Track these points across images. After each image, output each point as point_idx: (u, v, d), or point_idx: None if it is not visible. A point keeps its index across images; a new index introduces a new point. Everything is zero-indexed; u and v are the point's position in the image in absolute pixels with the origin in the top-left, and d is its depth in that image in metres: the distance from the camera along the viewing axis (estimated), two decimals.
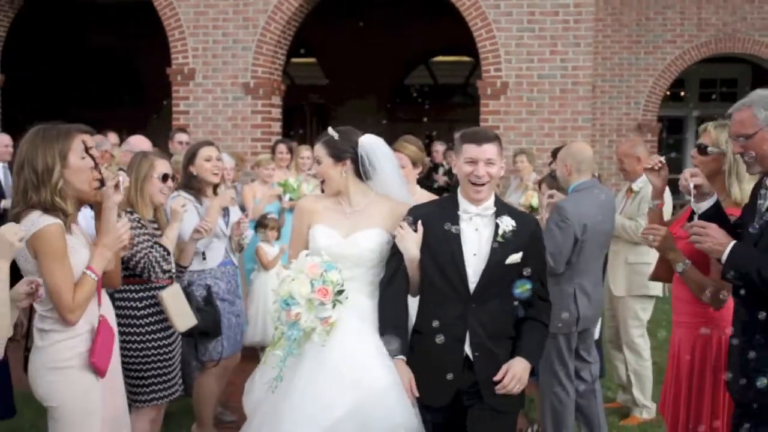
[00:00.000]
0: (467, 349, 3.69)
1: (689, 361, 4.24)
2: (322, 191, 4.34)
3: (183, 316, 4.64)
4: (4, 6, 11.93)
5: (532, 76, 10.82)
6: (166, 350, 4.60)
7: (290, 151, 8.78)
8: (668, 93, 16.26)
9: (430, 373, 3.66)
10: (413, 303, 3.88)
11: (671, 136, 16.84)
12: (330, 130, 3.97)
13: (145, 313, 4.55)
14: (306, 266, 3.61)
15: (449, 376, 3.65)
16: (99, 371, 3.56)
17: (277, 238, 7.51)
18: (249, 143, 11.15)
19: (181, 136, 8.52)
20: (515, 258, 3.70)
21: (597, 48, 13.96)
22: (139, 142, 6.98)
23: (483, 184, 3.67)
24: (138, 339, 4.49)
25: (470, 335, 3.68)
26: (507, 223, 3.71)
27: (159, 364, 4.57)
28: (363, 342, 3.70)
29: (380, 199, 3.98)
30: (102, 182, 3.64)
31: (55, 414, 3.52)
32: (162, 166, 4.61)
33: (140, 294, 4.55)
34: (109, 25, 16.29)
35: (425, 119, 15.96)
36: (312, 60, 17.74)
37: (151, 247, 4.52)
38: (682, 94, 16.66)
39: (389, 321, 3.76)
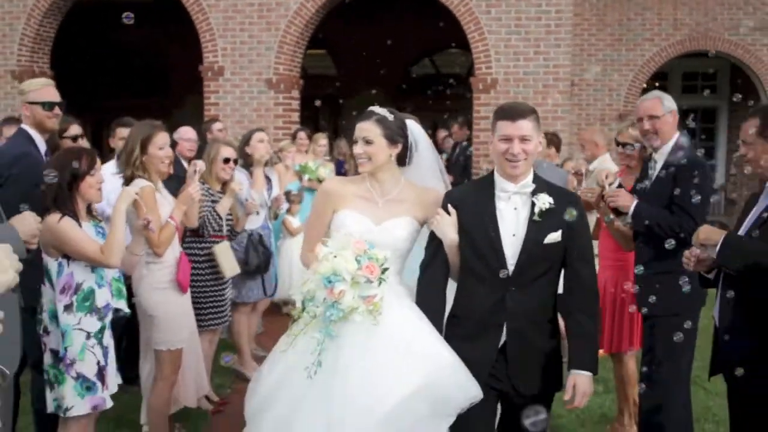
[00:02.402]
0: (504, 334, 3.51)
1: (613, 293, 5.68)
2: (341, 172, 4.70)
3: (229, 266, 5.97)
4: (53, 10, 13.10)
5: (518, 73, 11.84)
6: (217, 289, 5.92)
7: (309, 137, 10.15)
8: (657, 85, 17.05)
9: (466, 357, 3.42)
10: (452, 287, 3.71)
11: None
12: (380, 109, 3.75)
13: (202, 260, 5.83)
14: (350, 243, 3.39)
15: (487, 363, 3.49)
16: (182, 287, 5.03)
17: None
18: (272, 131, 11.94)
19: (217, 125, 9.91)
20: (554, 237, 3.47)
21: (582, 45, 15.01)
22: (186, 131, 8.35)
23: (519, 161, 3.45)
24: (198, 278, 5.75)
25: (508, 320, 3.50)
26: (544, 200, 3.48)
27: (212, 298, 5.88)
28: (411, 320, 3.49)
29: (409, 186, 3.78)
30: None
31: (155, 321, 4.93)
32: (225, 152, 5.96)
33: (200, 245, 5.85)
34: (138, 25, 17.10)
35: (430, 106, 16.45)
36: (323, 51, 18.28)
37: (209, 211, 5.88)
38: (657, 85, 17.42)
39: (426, 305, 3.57)
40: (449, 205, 3.60)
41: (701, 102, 17.27)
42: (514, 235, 3.49)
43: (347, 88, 16.83)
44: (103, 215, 4.90)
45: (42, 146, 5.00)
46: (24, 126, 5.03)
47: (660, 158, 4.85)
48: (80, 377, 4.18)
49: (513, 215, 3.52)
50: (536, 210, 3.48)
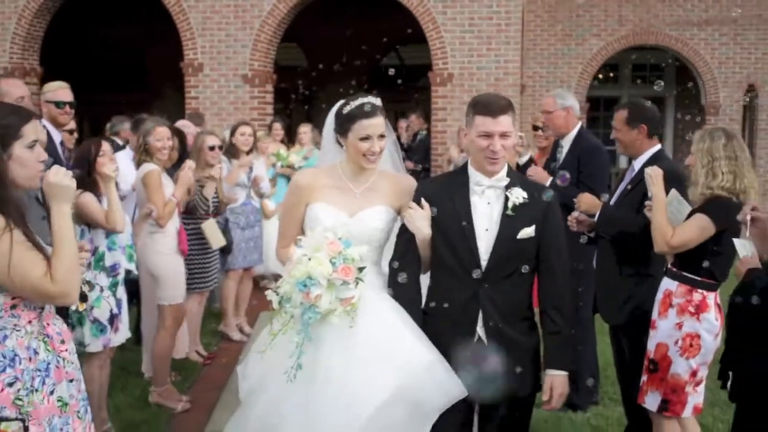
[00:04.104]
0: (479, 331, 3.42)
1: None
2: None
3: (215, 239, 6.99)
4: (43, 10, 13.80)
5: (472, 68, 12.71)
6: (203, 257, 6.93)
7: (283, 128, 11.08)
8: (611, 75, 17.90)
9: (445, 352, 3.34)
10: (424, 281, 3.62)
11: (607, 113, 18.55)
12: (377, 100, 3.58)
13: (190, 233, 6.71)
14: (324, 244, 3.27)
15: (462, 360, 3.35)
16: (183, 253, 6.16)
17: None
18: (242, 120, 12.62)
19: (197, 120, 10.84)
20: (528, 232, 3.39)
21: (535, 40, 15.80)
22: (185, 124, 8.76)
23: (499, 157, 3.37)
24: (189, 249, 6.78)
25: (483, 316, 3.41)
26: (517, 195, 3.41)
27: (198, 265, 6.87)
28: (389, 318, 3.38)
29: (382, 174, 3.68)
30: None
31: (159, 280, 6.02)
32: (210, 140, 6.98)
33: (189, 221, 6.78)
34: (120, 24, 17.48)
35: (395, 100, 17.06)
36: (293, 44, 18.57)
37: (198, 196, 6.85)
38: (612, 75, 18.35)
39: (401, 300, 3.47)
40: (422, 199, 3.50)
41: (649, 92, 18.40)
42: (487, 230, 3.41)
43: (317, 79, 17.21)
44: (121, 192, 6.00)
45: (57, 137, 5.95)
46: (42, 121, 6.08)
47: (566, 144, 6.02)
48: (96, 321, 5.19)
49: (486, 210, 3.44)
50: (509, 204, 3.40)
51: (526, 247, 3.43)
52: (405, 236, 3.55)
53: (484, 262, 3.41)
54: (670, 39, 15.73)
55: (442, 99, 12.86)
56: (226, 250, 7.51)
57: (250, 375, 3.53)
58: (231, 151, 7.83)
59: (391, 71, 14.11)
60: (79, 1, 14.75)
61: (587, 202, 5.00)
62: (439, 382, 3.26)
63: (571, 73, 15.98)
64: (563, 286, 3.52)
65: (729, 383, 3.40)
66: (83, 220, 5.21)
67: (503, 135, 3.35)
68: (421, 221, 3.47)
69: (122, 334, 5.39)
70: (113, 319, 5.27)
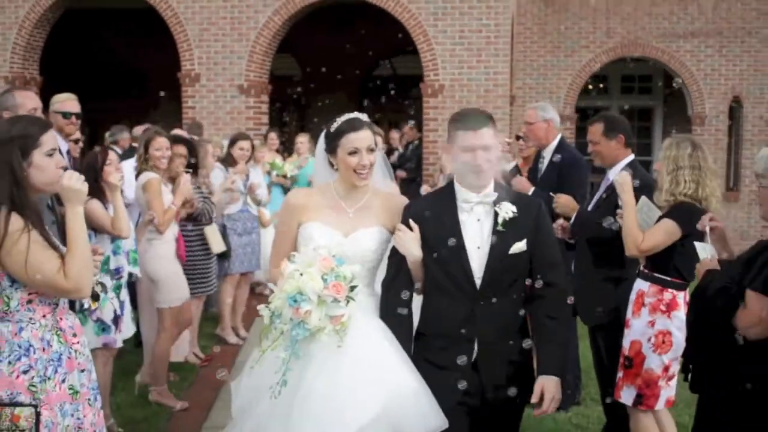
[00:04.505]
0: (476, 349, 3.39)
1: None
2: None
3: (216, 244, 7.32)
4: (42, 21, 14.02)
5: (462, 79, 12.96)
6: (205, 262, 7.23)
7: (278, 137, 11.44)
8: (601, 86, 18.04)
9: (436, 376, 3.33)
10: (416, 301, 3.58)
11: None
12: (364, 116, 3.60)
13: (194, 238, 7.07)
14: (317, 260, 3.24)
15: (460, 384, 3.33)
16: (181, 258, 6.44)
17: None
18: (242, 132, 12.73)
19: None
20: (519, 246, 3.37)
21: (525, 52, 16.02)
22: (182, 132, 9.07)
23: (484, 170, 3.34)
24: (189, 253, 6.94)
25: (479, 334, 3.38)
26: (507, 209, 3.38)
27: (200, 270, 7.15)
28: (378, 341, 3.35)
29: (374, 192, 3.64)
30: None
31: (158, 284, 6.26)
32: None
33: (191, 227, 7.06)
34: (117, 30, 17.89)
35: (389, 110, 17.42)
36: (287, 55, 18.60)
37: (206, 203, 7.09)
38: (601, 86, 18.50)
39: (393, 325, 3.43)
40: (410, 221, 3.45)
41: (638, 102, 18.77)
42: (479, 247, 3.38)
43: (311, 89, 17.41)
44: (126, 200, 6.27)
45: (63, 147, 6.20)
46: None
47: (547, 155, 6.31)
48: (98, 320, 5.47)
49: (477, 227, 3.41)
50: (500, 220, 3.37)
51: (518, 261, 3.40)
52: (396, 258, 3.51)
53: (478, 280, 3.38)
54: (657, 51, 15.98)
55: (434, 110, 13.09)
56: (224, 256, 7.77)
57: (242, 392, 3.51)
58: (228, 160, 8.11)
59: (391, 86, 14.25)
60: (77, 11, 15.00)
61: (563, 203, 5.30)
62: (422, 412, 3.23)
63: (561, 84, 16.25)
64: (559, 294, 3.48)
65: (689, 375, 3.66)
66: (90, 225, 5.46)
67: (485, 148, 3.33)
68: (410, 243, 3.42)
69: (125, 333, 5.65)
70: (117, 319, 5.54)
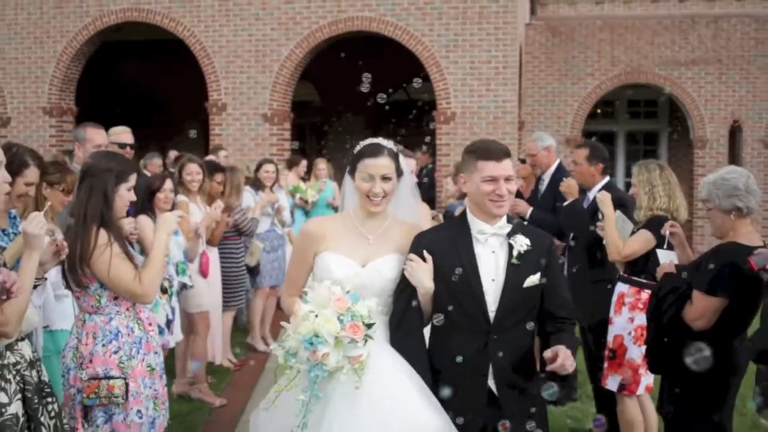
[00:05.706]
0: (491, 384, 3.30)
1: None
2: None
3: (255, 257, 8.28)
4: (78, 55, 15.00)
5: (473, 107, 13.69)
6: (239, 278, 8.13)
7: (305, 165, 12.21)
8: (609, 111, 18.56)
9: (452, 412, 3.21)
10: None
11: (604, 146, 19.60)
12: (387, 142, 3.51)
13: (238, 252, 7.98)
14: (331, 300, 3.14)
15: (476, 419, 3.25)
16: (203, 275, 7.16)
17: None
18: (267, 158, 13.54)
19: (222, 152, 11.96)
20: (533, 279, 3.33)
21: (533, 80, 16.69)
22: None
23: (505, 201, 3.31)
24: (232, 266, 7.95)
25: (493, 369, 3.29)
26: (521, 242, 3.34)
27: (239, 284, 8.08)
28: (397, 377, 3.23)
29: (395, 221, 3.54)
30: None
31: (191, 292, 7.00)
32: (242, 177, 8.21)
33: (237, 242, 8.01)
34: (145, 63, 18.76)
35: (403, 135, 17.79)
36: (306, 82, 19.15)
37: (252, 220, 8.04)
38: (607, 110, 19.01)
39: (409, 358, 3.31)
40: (424, 252, 3.35)
41: (644, 127, 19.48)
42: (493, 280, 3.32)
43: (330, 115, 17.99)
44: None
45: None
46: None
47: (546, 178, 7.09)
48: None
49: (491, 259, 3.35)
50: (514, 253, 3.33)
51: (532, 294, 3.36)
52: (408, 289, 3.38)
53: (492, 313, 3.30)
54: (659, 78, 16.61)
55: (446, 135, 13.84)
56: (254, 271, 8.61)
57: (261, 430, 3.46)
58: (256, 183, 8.97)
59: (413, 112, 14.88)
60: (109, 44, 15.85)
61: (570, 185, 6.08)
62: None
63: (568, 110, 16.89)
64: (571, 309, 3.50)
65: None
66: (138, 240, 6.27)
67: (507, 179, 3.32)
68: (423, 274, 3.32)
69: (176, 336, 6.44)
70: (169, 323, 6.32)
